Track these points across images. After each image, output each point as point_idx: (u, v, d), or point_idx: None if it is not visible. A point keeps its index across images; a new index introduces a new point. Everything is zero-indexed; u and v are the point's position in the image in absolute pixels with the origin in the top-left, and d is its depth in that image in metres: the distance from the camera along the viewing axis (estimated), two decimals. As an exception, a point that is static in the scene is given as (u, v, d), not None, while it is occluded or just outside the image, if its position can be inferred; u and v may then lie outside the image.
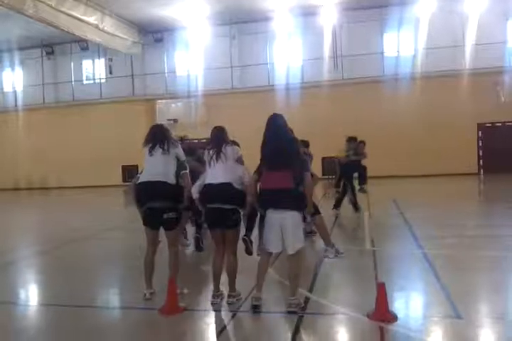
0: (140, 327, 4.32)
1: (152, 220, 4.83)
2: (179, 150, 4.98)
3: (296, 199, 4.38)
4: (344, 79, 20.77)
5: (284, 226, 4.35)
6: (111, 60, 23.39)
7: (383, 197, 13.54)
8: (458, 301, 4.48)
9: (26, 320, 4.70)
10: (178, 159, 4.94)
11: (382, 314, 4.07)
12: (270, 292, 4.83)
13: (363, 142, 10.51)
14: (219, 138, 4.80)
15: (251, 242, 5.33)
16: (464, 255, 6.33)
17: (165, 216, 4.73)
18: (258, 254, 4.90)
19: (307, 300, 4.67)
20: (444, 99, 19.51)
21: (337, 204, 10.06)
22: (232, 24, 21.83)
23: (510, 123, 19.70)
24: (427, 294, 4.98)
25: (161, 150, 4.84)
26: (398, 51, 21.10)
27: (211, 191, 4.63)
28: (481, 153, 20.17)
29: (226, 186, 4.56)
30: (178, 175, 4.91)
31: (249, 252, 5.24)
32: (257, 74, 21.78)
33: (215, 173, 4.64)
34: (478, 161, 20.21)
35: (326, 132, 20.70)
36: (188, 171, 5.02)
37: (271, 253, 4.60)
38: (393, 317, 4.09)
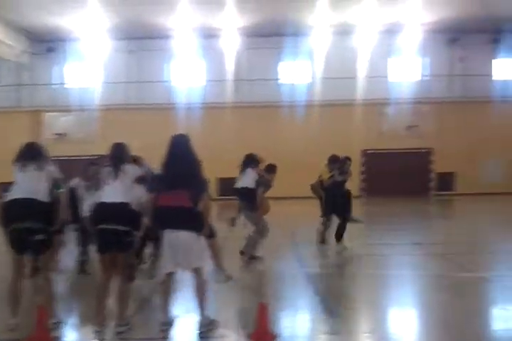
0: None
1: (19, 243, 4.35)
2: (53, 168, 4.66)
3: (193, 220, 4.32)
4: (244, 103, 21.25)
5: (179, 247, 4.27)
6: (-3, 67, 21.69)
7: (277, 218, 13.88)
8: (334, 318, 4.69)
9: None
10: (53, 177, 4.61)
11: (262, 334, 4.12)
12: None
13: (348, 159, 9.08)
14: (118, 155, 4.58)
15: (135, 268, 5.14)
16: (342, 273, 6.67)
17: (35, 237, 4.30)
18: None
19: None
20: (333, 127, 20.76)
21: (322, 239, 8.60)
22: (132, 39, 21.47)
23: (389, 151, 21.39)
24: (308, 312, 5.15)
25: (33, 166, 4.48)
26: (293, 79, 22.15)
27: (104, 210, 4.36)
28: (363, 178, 21.63)
29: (122, 206, 4.35)
30: (53, 193, 4.56)
31: (131, 278, 5.04)
32: (155, 92, 21.49)
33: (111, 192, 4.41)
34: (361, 185, 21.61)
35: (224, 153, 20.94)
36: (64, 190, 4.74)
37: (171, 274, 4.45)
38: (273, 337, 4.14)
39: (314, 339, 4.32)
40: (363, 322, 4.82)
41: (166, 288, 4.47)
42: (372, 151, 21.37)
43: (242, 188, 7.13)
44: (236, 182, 7.32)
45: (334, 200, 8.41)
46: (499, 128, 20.76)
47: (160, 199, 4.36)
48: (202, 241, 4.47)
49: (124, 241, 4.30)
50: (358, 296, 5.71)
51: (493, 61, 22.13)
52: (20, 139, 19.07)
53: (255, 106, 21.03)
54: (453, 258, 7.63)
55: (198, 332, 4.28)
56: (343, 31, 20.71)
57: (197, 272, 4.39)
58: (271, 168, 7.58)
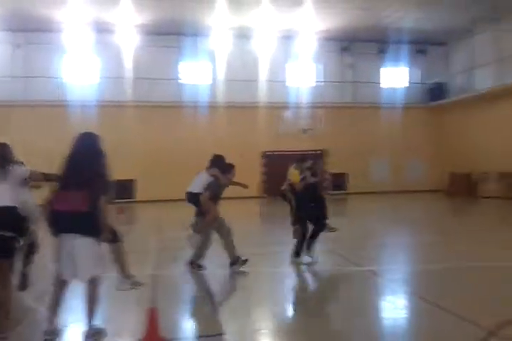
0: None
1: None
2: None
3: (90, 224, 4.06)
4: (144, 102, 20.67)
5: (75, 254, 4.02)
6: None
7: (177, 221, 13.70)
8: (226, 318, 4.74)
9: None
10: None
11: (152, 339, 4.01)
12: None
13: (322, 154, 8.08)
14: (3, 155, 4.36)
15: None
16: (235, 273, 6.71)
17: None
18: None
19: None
20: (235, 128, 21.05)
21: (298, 252, 7.21)
22: (18, 31, 19.92)
23: (287, 152, 22.08)
24: (199, 314, 5.12)
25: None
26: (194, 80, 22.00)
27: None
28: (263, 179, 22.12)
29: (8, 210, 4.03)
30: None
31: (23, 287, 4.65)
32: (45, 88, 20.10)
33: None
34: (261, 186, 22.11)
35: (122, 154, 20.26)
36: None
37: (65, 282, 4.16)
38: (163, 341, 4.06)
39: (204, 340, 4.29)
40: (253, 320, 4.87)
41: (57, 296, 4.17)
42: (272, 153, 21.93)
43: (188, 193, 6.99)
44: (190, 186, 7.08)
45: (307, 206, 7.41)
46: (386, 131, 22.44)
47: (55, 203, 4.08)
48: (100, 248, 4.22)
49: (9, 248, 4.01)
50: (255, 295, 5.78)
51: (381, 69, 23.81)
52: None
53: (156, 106, 20.63)
54: (342, 253, 8.04)
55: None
56: (243, 34, 21.05)
57: (93, 281, 4.17)
58: (227, 169, 6.99)
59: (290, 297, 5.88)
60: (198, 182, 6.77)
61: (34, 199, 4.34)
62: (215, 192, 6.62)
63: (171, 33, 20.85)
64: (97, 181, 4.15)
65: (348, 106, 22.60)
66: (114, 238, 4.61)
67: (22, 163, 4.84)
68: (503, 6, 18.29)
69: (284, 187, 8.33)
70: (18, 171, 4.32)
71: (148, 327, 4.02)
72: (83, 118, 18.53)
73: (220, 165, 6.85)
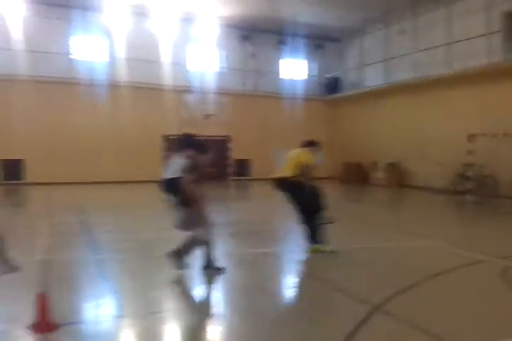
0: None
1: None
2: None
3: None
4: (32, 76, 19.01)
5: None
6: None
7: (69, 204, 13.07)
8: (125, 301, 4.72)
9: None
10: None
11: (43, 324, 3.85)
12: None
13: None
14: None
15: None
16: (134, 257, 6.62)
17: None
18: None
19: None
20: (138, 110, 20.39)
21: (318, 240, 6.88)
22: None
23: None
24: (95, 298, 4.97)
25: None
26: (88, 56, 20.73)
27: None
28: (164, 163, 21.83)
29: None
30: None
31: None
32: None
33: None
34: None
35: (9, 133, 18.84)
36: None
37: None
38: (56, 327, 3.90)
39: (103, 325, 4.20)
40: (157, 302, 4.86)
41: None
42: (174, 137, 21.60)
43: (164, 180, 5.72)
44: (163, 171, 5.89)
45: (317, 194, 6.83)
46: (286, 120, 23.15)
47: None
48: None
49: None
50: (151, 277, 5.74)
51: (280, 61, 24.44)
52: None
53: (48, 81, 19.14)
54: (241, 236, 8.25)
55: None
56: (140, 13, 20.27)
57: None
58: (203, 149, 5.94)
59: (200, 278, 5.92)
60: (175, 167, 5.71)
61: None
62: (196, 175, 5.64)
63: (60, 5, 19.38)
64: None
65: (250, 94, 22.95)
66: None
67: None
68: (394, 10, 19.83)
69: (283, 175, 6.98)
70: None
71: (38, 313, 3.86)
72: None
73: (194, 145, 5.88)
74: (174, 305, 4.84)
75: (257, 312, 4.47)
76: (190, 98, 21.42)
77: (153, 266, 6.19)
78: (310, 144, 7.31)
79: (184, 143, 5.95)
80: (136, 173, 19.97)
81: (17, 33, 18.96)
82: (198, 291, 5.37)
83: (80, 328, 4.07)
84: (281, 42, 23.88)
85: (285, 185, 6.90)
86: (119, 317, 4.38)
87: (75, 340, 3.81)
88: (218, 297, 5.18)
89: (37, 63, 18.97)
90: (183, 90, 21.19)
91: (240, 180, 22.91)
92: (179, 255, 5.61)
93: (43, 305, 3.86)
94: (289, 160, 7.06)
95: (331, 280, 5.53)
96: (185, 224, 5.61)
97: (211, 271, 5.71)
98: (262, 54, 23.55)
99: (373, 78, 22.15)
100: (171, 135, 21.70)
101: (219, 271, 5.72)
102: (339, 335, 3.76)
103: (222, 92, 21.92)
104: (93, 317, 4.43)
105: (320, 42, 24.64)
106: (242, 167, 23.25)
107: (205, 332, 4.21)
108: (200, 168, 5.67)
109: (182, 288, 5.51)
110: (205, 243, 5.68)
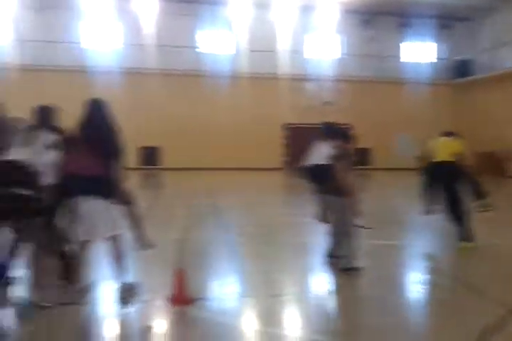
0: None
1: None
2: None
3: (103, 187, 4.13)
4: (164, 70, 20.49)
5: (90, 215, 4.09)
6: None
7: (202, 188, 13.91)
8: (256, 283, 4.86)
9: None
10: None
11: (181, 297, 4.13)
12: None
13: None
14: (40, 119, 4.43)
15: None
16: (261, 241, 6.82)
17: None
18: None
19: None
20: (256, 99, 20.95)
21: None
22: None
23: (308, 125, 21.94)
24: (229, 277, 5.21)
25: None
26: (214, 49, 21.72)
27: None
28: (285, 151, 22.15)
29: (21, 165, 3.94)
30: None
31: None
32: (66, 53, 20.03)
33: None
34: (283, 158, 22.17)
35: (146, 121, 20.34)
36: None
37: (86, 242, 4.26)
38: (192, 300, 4.17)
39: (237, 302, 4.40)
40: (285, 285, 4.97)
41: (82, 256, 4.31)
42: (293, 125, 21.82)
43: (312, 166, 5.38)
44: (306, 159, 5.59)
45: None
46: (410, 107, 22.07)
47: (69, 166, 4.12)
48: (115, 209, 4.32)
49: (26, 208, 3.89)
50: (282, 261, 5.87)
51: (402, 44, 23.24)
52: None
53: (179, 74, 20.49)
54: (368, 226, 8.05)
55: (119, 297, 4.20)
56: (262, 4, 20.59)
57: (113, 240, 4.27)
58: (346, 136, 5.67)
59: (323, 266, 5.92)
60: (321, 155, 5.41)
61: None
62: (344, 164, 5.35)
63: (188, 1, 20.51)
64: (110, 146, 4.23)
65: (370, 80, 22.19)
66: (127, 200, 4.65)
67: (60, 128, 4.87)
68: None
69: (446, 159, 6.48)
70: (46, 138, 4.33)
71: (176, 287, 4.15)
72: (105, 84, 18.60)
73: (339, 134, 5.65)
74: (298, 289, 4.88)
75: (381, 304, 4.34)
76: (309, 86, 21.38)
77: (276, 250, 6.32)
78: (450, 134, 6.98)
79: (328, 131, 5.70)
80: (257, 161, 20.55)
81: (148, 30, 20.51)
82: (323, 278, 5.36)
83: (210, 304, 4.30)
84: (403, 25, 22.74)
85: (447, 170, 6.42)
86: (245, 296, 4.53)
87: (206, 315, 3.99)
88: (342, 285, 5.10)
89: (167, 57, 20.33)
90: (301, 78, 21.22)
91: (360, 169, 22.37)
92: (338, 255, 5.34)
93: (180, 279, 4.14)
94: (441, 148, 6.67)
95: (462, 277, 5.16)
96: (333, 215, 5.31)
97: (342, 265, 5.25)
98: (382, 38, 22.65)
99: (510, 59, 20.05)
100: (290, 123, 21.93)
101: (354, 270, 5.20)
102: (468, 339, 3.51)
103: (341, 79, 21.55)
104: (222, 294, 4.65)
105: (447, 22, 22.95)
106: (362, 156, 22.69)
107: (326, 319, 4.16)
108: (347, 157, 5.37)
109: (309, 274, 5.55)
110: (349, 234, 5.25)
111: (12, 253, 4.09)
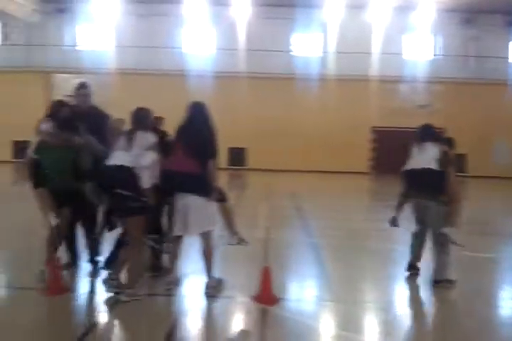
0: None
1: None
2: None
3: (201, 185, 4.41)
4: (256, 73, 21.00)
5: (188, 211, 4.37)
6: (6, 25, 21.50)
7: (284, 190, 14.03)
8: (338, 287, 4.84)
9: None
10: None
11: (265, 296, 4.24)
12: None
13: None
14: (138, 121, 4.49)
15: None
16: (347, 246, 6.77)
17: None
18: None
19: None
20: (346, 101, 20.64)
21: None
22: (141, 3, 21.06)
23: (399, 129, 21.30)
24: (311, 279, 5.27)
25: None
26: (305, 52, 21.81)
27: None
28: (372, 155, 21.63)
29: (125, 169, 4.21)
30: None
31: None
32: (166, 58, 21.23)
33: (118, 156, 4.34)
34: (370, 162, 21.66)
35: (235, 123, 20.91)
36: None
37: (180, 237, 4.56)
38: (276, 300, 4.27)
39: (317, 305, 4.42)
40: (366, 293, 4.91)
41: (175, 250, 4.58)
42: (383, 129, 21.26)
43: (422, 169, 4.97)
44: (409, 162, 5.21)
45: None
46: (509, 110, 20.54)
47: (170, 164, 4.41)
48: (211, 206, 4.54)
49: (126, 207, 4.21)
50: (364, 268, 5.81)
51: (509, 43, 21.67)
52: (31, 100, 19.15)
53: (268, 78, 20.82)
54: (459, 238, 7.66)
55: (206, 292, 4.42)
56: (357, 5, 20.23)
57: (205, 236, 4.50)
58: (450, 141, 5.36)
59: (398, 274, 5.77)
60: (428, 156, 5.05)
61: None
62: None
63: (284, 5, 20.69)
64: (209, 147, 4.48)
65: (470, 82, 20.91)
66: (221, 198, 4.85)
67: (158, 130, 5.18)
68: None
69: None
70: (144, 139, 4.36)
71: (262, 285, 4.26)
72: (200, 87, 19.37)
73: (440, 138, 5.29)
74: (381, 298, 4.79)
75: (470, 318, 4.14)
76: (402, 88, 20.71)
77: (363, 257, 6.25)
78: None
79: (427, 135, 5.31)
80: (343, 164, 20.29)
81: (243, 34, 21.06)
82: (406, 288, 5.19)
83: (292, 305, 4.36)
84: (509, 23, 21.17)
85: None
86: (325, 300, 4.53)
87: (287, 315, 4.05)
88: (431, 297, 4.90)
89: (260, 61, 20.77)
90: (394, 80, 20.59)
91: (459, 176, 21.09)
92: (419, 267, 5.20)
93: (266, 278, 4.26)
94: None
95: None
96: (426, 222, 5.03)
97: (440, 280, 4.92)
98: (485, 37, 21.25)
99: None
100: (379, 127, 21.38)
101: (447, 282, 4.91)
102: None
103: (437, 81, 20.59)
104: (303, 296, 4.71)
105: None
106: (458, 162, 21.40)
107: (407, 330, 4.05)
108: (453, 163, 5.05)
109: (393, 282, 5.43)
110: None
111: (118, 245, 4.49)
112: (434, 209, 4.87)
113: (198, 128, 4.52)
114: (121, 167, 4.20)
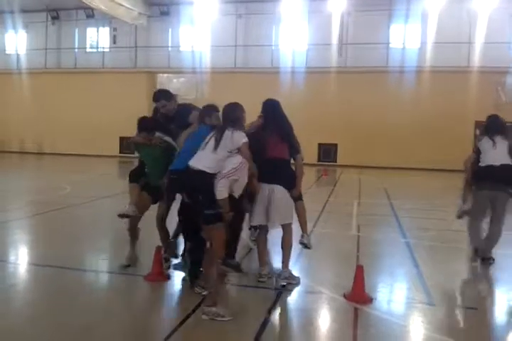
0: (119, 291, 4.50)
1: None
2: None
3: (289, 176, 4.59)
4: (348, 67, 20.71)
5: (272, 201, 4.48)
6: (115, 29, 23.18)
7: (376, 187, 13.73)
8: (432, 289, 4.66)
9: (14, 277, 4.84)
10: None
11: (358, 295, 4.24)
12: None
13: None
14: (228, 117, 4.19)
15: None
16: (444, 247, 6.51)
17: None
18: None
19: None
20: (445, 94, 19.55)
21: None
22: (240, 2, 21.59)
23: (508, 123, 19.76)
24: (404, 280, 5.16)
25: None
26: (404, 43, 20.98)
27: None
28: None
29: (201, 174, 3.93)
30: None
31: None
32: (260, 56, 21.64)
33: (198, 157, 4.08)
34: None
35: (325, 118, 20.75)
36: None
37: (264, 227, 4.71)
38: (368, 299, 4.25)
39: (410, 308, 4.33)
40: (463, 298, 4.73)
41: (261, 242, 4.72)
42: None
43: (503, 166, 5.09)
44: (484, 157, 5.27)
45: None
46: None
47: (267, 152, 4.49)
48: (291, 200, 4.63)
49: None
50: (461, 271, 5.57)
51: None
52: (138, 99, 20.56)
53: (361, 71, 20.38)
54: None
55: (280, 283, 4.54)
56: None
57: (286, 228, 4.61)
58: None
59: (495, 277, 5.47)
60: (502, 151, 5.16)
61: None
62: None
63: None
64: (293, 141, 4.64)
65: None
66: (299, 196, 4.87)
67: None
68: None
69: None
70: (232, 140, 4.00)
71: (355, 283, 4.26)
72: (293, 83, 19.52)
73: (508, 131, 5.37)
74: (480, 302, 4.57)
75: None
76: (509, 80, 19.20)
77: (457, 259, 5.99)
78: None
79: (497, 127, 5.52)
80: (444, 161, 19.27)
81: (337, 29, 20.75)
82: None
83: (385, 305, 4.31)
84: None
85: None
86: (421, 302, 4.38)
87: (380, 315, 3.99)
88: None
89: (358, 54, 20.42)
90: (500, 72, 19.11)
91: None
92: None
93: (359, 276, 4.25)
94: None
95: None
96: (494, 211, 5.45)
97: None
98: None
99: None
100: (485, 121, 20.01)
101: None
102: None
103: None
104: (395, 297, 4.63)
105: None
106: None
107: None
108: None
109: (493, 287, 5.16)
110: None
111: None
112: (505, 198, 5.34)
113: (281, 123, 4.67)
114: (201, 173, 3.90)
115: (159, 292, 4.52)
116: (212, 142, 3.99)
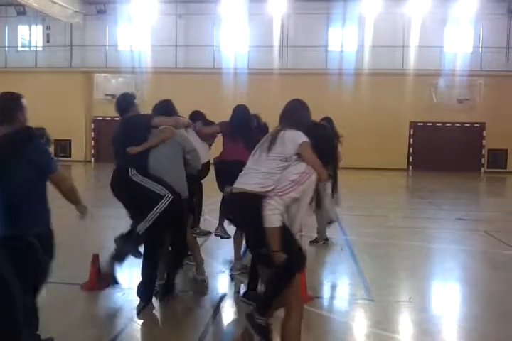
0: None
1: None
2: None
3: None
4: (289, 69, 20.94)
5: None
6: (49, 27, 22.23)
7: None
8: (371, 285, 4.78)
9: None
10: None
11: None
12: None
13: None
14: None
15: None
16: (382, 243, 6.71)
17: None
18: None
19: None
20: (381, 97, 20.21)
21: None
22: (180, 2, 21.35)
23: (439, 124, 20.78)
24: (344, 278, 5.26)
25: None
26: (342, 46, 21.50)
27: None
28: (411, 150, 21.18)
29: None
30: None
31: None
32: (202, 56, 21.45)
33: None
34: (408, 158, 21.21)
35: (267, 120, 20.77)
36: None
37: None
38: (310, 298, 4.29)
39: (351, 304, 4.41)
40: (401, 292, 4.87)
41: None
42: (421, 124, 20.82)
43: None
44: None
45: None
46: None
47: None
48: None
49: None
50: (399, 266, 5.75)
51: None
52: (73, 99, 19.59)
53: (301, 74, 20.68)
54: (496, 235, 7.49)
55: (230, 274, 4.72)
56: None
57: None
58: None
59: (450, 274, 5.65)
60: None
61: None
62: None
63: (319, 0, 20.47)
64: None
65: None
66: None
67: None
68: None
69: None
70: (287, 139, 3.01)
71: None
72: (235, 85, 19.49)
73: None
74: (429, 297, 4.76)
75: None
76: (441, 82, 20.17)
77: (399, 255, 6.18)
78: None
79: None
80: (382, 160, 19.92)
81: (278, 31, 20.98)
82: (444, 286, 5.12)
83: (326, 303, 4.38)
84: None
85: None
86: (361, 298, 4.47)
87: (321, 313, 4.06)
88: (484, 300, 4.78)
89: (297, 57, 20.69)
90: (432, 74, 20.05)
91: (493, 172, 20.50)
92: None
93: (301, 275, 4.26)
94: None
95: None
96: None
97: None
98: None
99: None
100: (418, 122, 20.90)
101: None
102: None
103: (478, 74, 19.92)
104: (338, 295, 4.71)
105: None
106: (497, 158, 20.75)
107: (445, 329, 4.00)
108: None
109: (438, 281, 5.36)
110: None
111: None
112: None
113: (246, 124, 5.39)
114: (247, 195, 2.95)
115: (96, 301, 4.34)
116: (258, 150, 3.07)
